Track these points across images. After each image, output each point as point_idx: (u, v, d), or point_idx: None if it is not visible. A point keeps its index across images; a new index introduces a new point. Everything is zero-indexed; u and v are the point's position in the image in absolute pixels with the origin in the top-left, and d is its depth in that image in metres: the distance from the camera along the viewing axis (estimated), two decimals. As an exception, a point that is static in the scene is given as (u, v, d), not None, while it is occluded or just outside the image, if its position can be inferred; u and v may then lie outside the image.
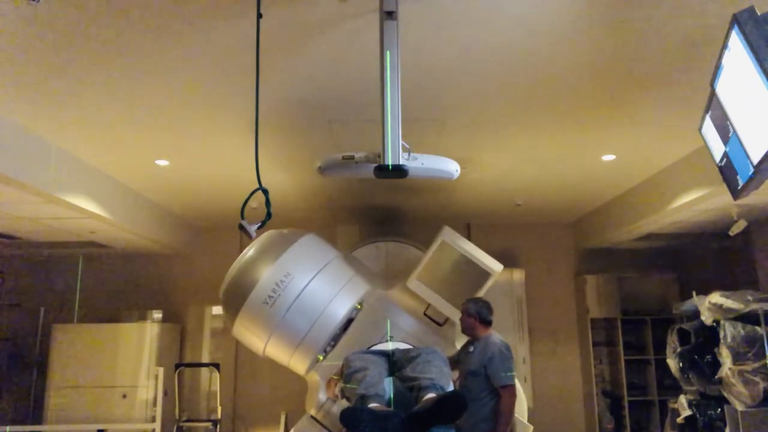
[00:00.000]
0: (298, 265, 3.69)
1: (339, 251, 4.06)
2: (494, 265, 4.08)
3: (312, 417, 3.75)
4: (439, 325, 4.02)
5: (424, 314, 4.04)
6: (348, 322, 3.87)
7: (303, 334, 3.65)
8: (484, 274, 4.08)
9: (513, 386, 3.60)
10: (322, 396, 3.70)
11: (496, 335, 3.74)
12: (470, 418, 3.43)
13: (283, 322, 3.61)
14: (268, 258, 3.70)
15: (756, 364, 4.15)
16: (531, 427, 4.00)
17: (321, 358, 3.80)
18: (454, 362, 3.76)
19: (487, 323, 3.75)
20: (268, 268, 3.64)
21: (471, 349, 3.74)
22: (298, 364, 3.82)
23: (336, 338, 3.81)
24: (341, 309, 3.73)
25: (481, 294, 4.03)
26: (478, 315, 3.72)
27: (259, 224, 2.20)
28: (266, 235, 3.94)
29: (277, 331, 3.64)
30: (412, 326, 3.93)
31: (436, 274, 4.12)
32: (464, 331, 3.82)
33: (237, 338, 3.92)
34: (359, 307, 3.89)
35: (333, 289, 3.73)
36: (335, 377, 3.49)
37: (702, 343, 4.69)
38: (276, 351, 3.79)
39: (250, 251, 3.84)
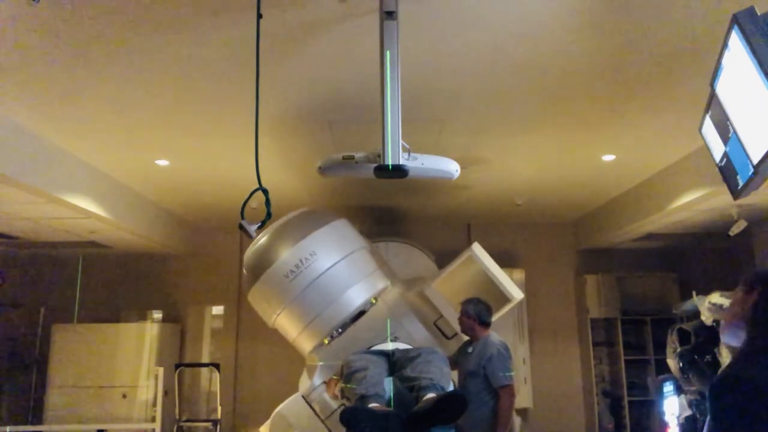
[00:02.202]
0: (326, 246, 3.70)
1: (367, 243, 4.07)
2: (515, 292, 4.02)
3: (303, 397, 3.78)
4: (447, 338, 4.00)
5: (434, 324, 4.03)
6: (360, 314, 3.88)
7: (315, 315, 3.67)
8: (503, 299, 4.00)
9: (512, 386, 3.60)
10: (317, 380, 3.73)
11: (494, 336, 3.74)
12: (469, 419, 3.42)
13: (298, 298, 3.63)
14: (297, 234, 3.72)
15: None
16: None
17: (326, 341, 3.82)
18: (453, 363, 3.76)
19: (486, 324, 3.75)
20: (295, 244, 3.67)
21: (470, 349, 3.74)
22: (303, 342, 3.85)
23: (345, 326, 3.83)
24: (357, 299, 3.74)
25: (495, 318, 3.96)
26: (477, 316, 3.72)
27: (259, 224, 2.20)
28: (302, 211, 3.97)
29: (291, 306, 3.68)
30: (420, 334, 3.90)
31: (455, 287, 4.08)
32: (463, 331, 3.82)
33: (251, 303, 3.97)
34: (374, 301, 3.90)
35: (353, 278, 3.74)
36: (335, 377, 3.49)
37: (702, 343, 4.68)
38: (285, 324, 3.83)
39: (282, 221, 3.87)
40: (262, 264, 3.72)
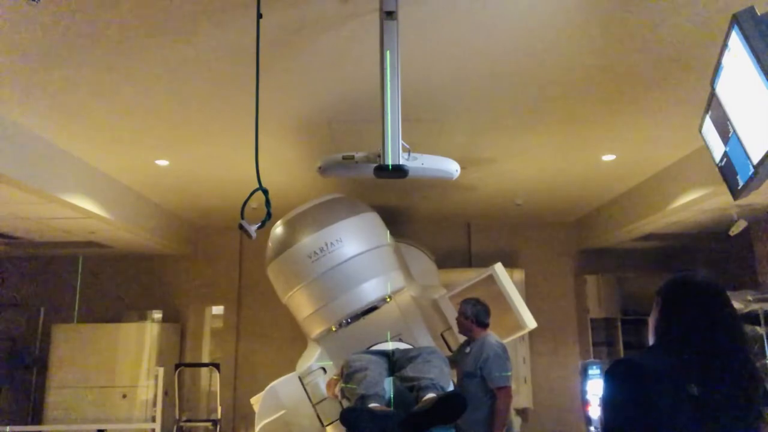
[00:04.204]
0: (353, 236, 3.75)
1: (392, 241, 4.09)
2: (529, 321, 3.97)
3: (299, 378, 3.80)
4: (450, 350, 4.01)
5: (441, 335, 4.02)
6: (371, 309, 3.88)
7: (328, 300, 3.71)
8: (515, 324, 3.96)
9: (509, 387, 3.59)
10: (315, 365, 3.75)
11: (492, 336, 3.73)
12: (467, 419, 3.42)
13: (316, 281, 3.68)
14: (328, 218, 3.77)
15: (756, 364, 4.14)
16: None
17: (334, 329, 3.83)
18: (451, 363, 3.76)
19: (484, 325, 3.75)
20: (324, 227, 3.71)
21: (467, 350, 3.74)
22: (312, 324, 3.88)
23: (354, 318, 3.84)
24: (373, 293, 3.76)
25: (505, 341, 3.91)
26: (475, 317, 3.72)
27: (259, 224, 2.20)
28: (335, 197, 4.02)
29: (307, 287, 3.72)
30: (425, 341, 3.91)
31: None
32: (461, 331, 3.83)
33: (268, 275, 4.01)
34: (388, 299, 3.91)
35: (373, 272, 3.77)
36: (335, 377, 3.50)
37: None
38: (298, 303, 3.85)
39: (315, 203, 3.91)
40: (288, 240, 3.77)
